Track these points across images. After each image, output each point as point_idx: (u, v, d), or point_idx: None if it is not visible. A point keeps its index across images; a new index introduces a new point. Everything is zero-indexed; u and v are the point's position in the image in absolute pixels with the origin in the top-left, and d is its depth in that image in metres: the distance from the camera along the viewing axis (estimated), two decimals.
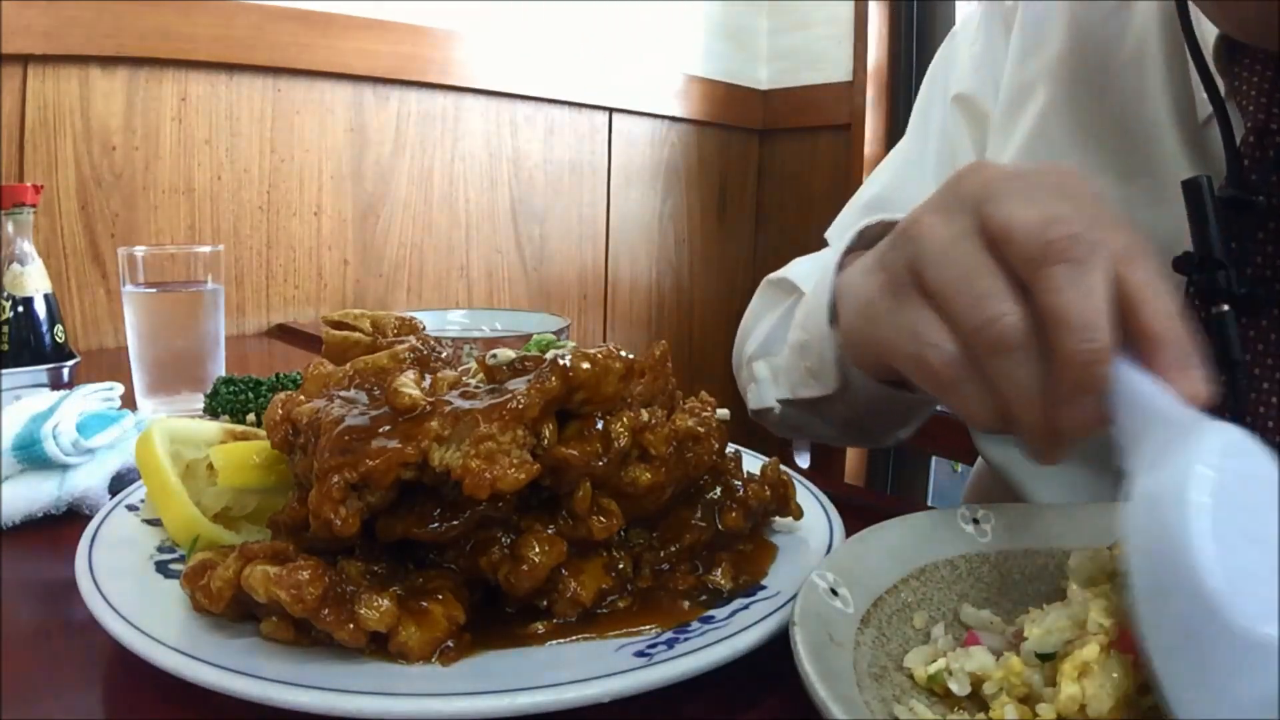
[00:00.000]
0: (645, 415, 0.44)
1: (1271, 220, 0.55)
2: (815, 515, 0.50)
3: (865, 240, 0.59)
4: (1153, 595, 0.30)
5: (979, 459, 0.88)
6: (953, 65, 0.81)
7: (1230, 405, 0.54)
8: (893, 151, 0.87)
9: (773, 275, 0.80)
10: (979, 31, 0.79)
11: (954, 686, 0.35)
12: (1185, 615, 0.29)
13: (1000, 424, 0.39)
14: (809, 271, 0.72)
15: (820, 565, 0.41)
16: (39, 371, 0.95)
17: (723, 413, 0.50)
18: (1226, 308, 0.53)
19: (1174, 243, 0.57)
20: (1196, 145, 0.61)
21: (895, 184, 0.82)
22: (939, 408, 0.66)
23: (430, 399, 0.40)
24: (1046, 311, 0.36)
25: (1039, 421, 0.38)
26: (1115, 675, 0.32)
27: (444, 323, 1.01)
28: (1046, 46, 0.71)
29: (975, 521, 0.47)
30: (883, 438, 0.73)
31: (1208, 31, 0.59)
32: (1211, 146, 0.59)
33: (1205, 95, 0.58)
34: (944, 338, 0.39)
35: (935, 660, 0.37)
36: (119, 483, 0.59)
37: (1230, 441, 0.32)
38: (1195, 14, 0.59)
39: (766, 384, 0.71)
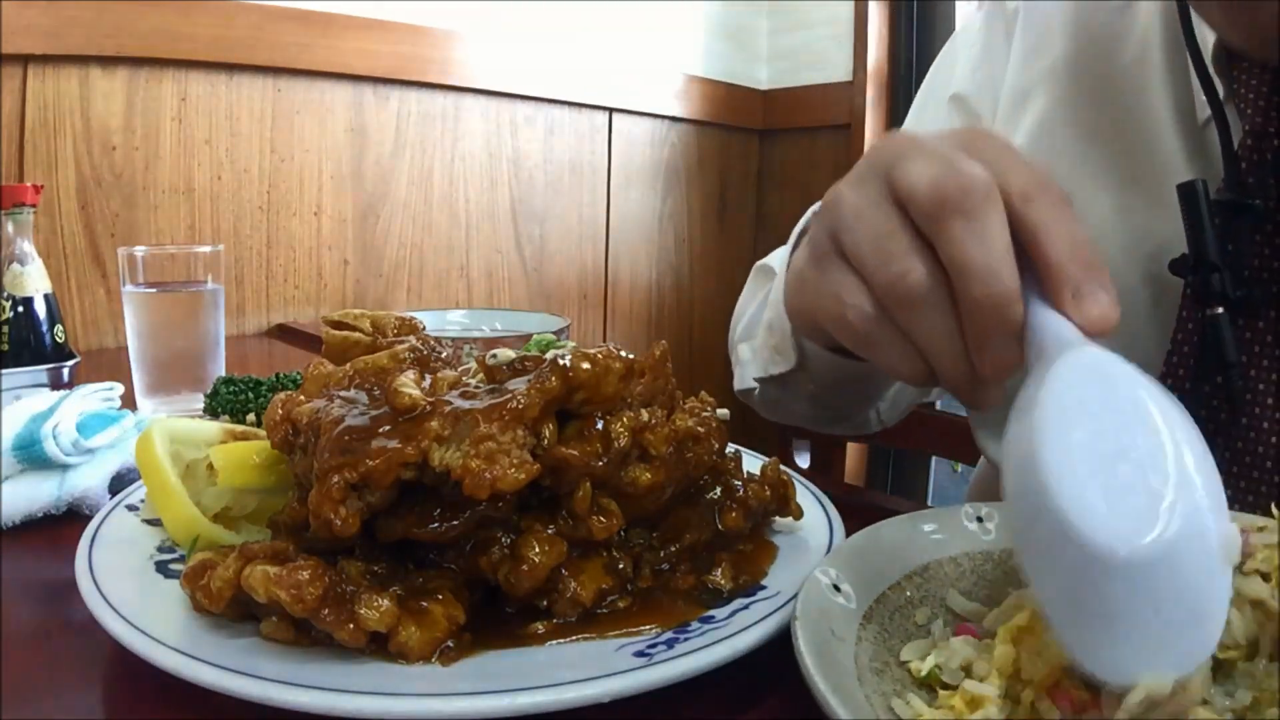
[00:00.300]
0: (645, 415, 0.44)
1: (1268, 223, 0.55)
2: (815, 515, 0.50)
3: None
4: (1023, 528, 0.32)
5: (981, 459, 0.88)
6: (952, 66, 0.81)
7: (1225, 407, 0.54)
8: None
9: (760, 261, 0.83)
10: (979, 33, 0.79)
11: (947, 679, 0.36)
12: (1047, 540, 0.30)
13: (925, 376, 0.41)
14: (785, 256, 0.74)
15: (823, 562, 0.41)
16: (39, 371, 0.95)
17: (723, 413, 0.50)
18: (1221, 310, 0.54)
19: (1171, 243, 0.58)
20: (1197, 148, 0.61)
21: None
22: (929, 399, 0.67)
23: (430, 399, 0.40)
24: (949, 264, 0.37)
25: (960, 369, 0.39)
26: (1051, 644, 0.33)
27: (444, 323, 1.01)
28: (1049, 50, 0.71)
29: (979, 520, 0.47)
30: (855, 416, 0.75)
31: (1208, 35, 0.60)
32: (1211, 149, 0.59)
33: (1205, 98, 0.58)
34: (861, 298, 0.41)
35: (929, 655, 0.37)
36: (119, 483, 0.59)
37: (1087, 363, 0.33)
38: (1196, 17, 0.59)
39: (747, 364, 0.72)
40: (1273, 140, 0.56)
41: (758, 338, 0.69)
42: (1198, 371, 0.56)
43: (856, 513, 0.50)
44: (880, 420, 0.80)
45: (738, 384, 0.75)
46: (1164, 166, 0.62)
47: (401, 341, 0.54)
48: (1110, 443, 0.31)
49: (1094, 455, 0.30)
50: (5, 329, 0.95)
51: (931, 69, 0.86)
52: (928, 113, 0.82)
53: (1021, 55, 0.73)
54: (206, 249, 0.88)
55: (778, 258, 0.78)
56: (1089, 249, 0.37)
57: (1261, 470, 0.54)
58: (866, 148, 2.17)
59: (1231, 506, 0.32)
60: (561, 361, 0.41)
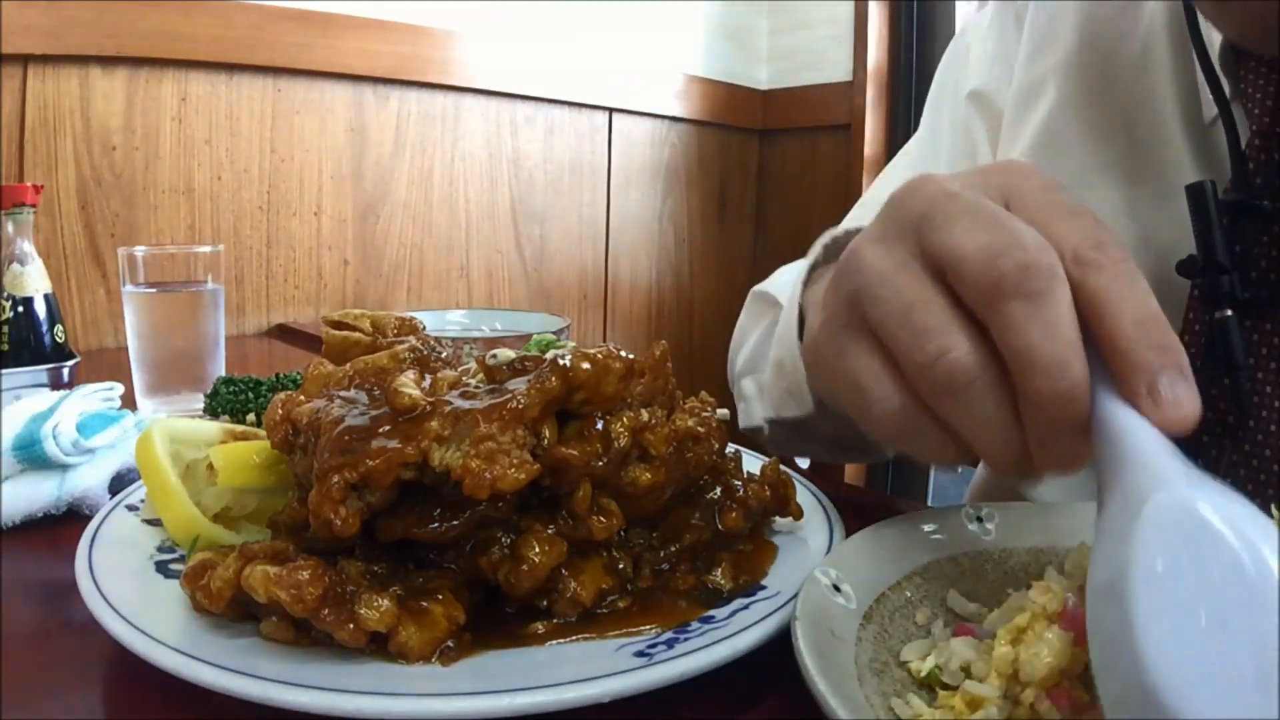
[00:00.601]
0: (645, 415, 0.44)
1: (1276, 224, 0.54)
2: (815, 515, 0.50)
3: (832, 252, 0.59)
4: (1106, 675, 0.28)
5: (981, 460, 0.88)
6: (964, 63, 0.80)
7: (1232, 409, 0.54)
8: (903, 151, 0.86)
9: (757, 287, 0.79)
10: (990, 29, 0.78)
11: (947, 679, 0.36)
12: (1132, 703, 0.26)
13: (967, 460, 0.37)
14: (788, 283, 0.69)
15: (823, 562, 0.41)
16: (39, 371, 0.95)
17: (723, 413, 0.50)
18: (1230, 313, 0.53)
19: (1179, 243, 0.57)
20: (1203, 146, 0.60)
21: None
22: None
23: (430, 399, 0.40)
24: (1009, 352, 0.33)
25: (1015, 461, 0.34)
26: (1051, 645, 0.32)
27: (444, 323, 1.01)
28: (1056, 45, 0.70)
29: (979, 520, 0.47)
30: (878, 454, 0.72)
31: (1214, 33, 0.59)
32: (1218, 148, 0.59)
33: (1211, 97, 0.58)
34: (887, 390, 0.36)
35: (929, 655, 0.37)
36: (119, 483, 0.59)
37: (1183, 513, 0.28)
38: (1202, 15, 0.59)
39: (754, 402, 0.70)
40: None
41: (764, 374, 0.65)
42: (1204, 373, 0.55)
43: (856, 513, 0.50)
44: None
45: (743, 421, 0.71)
46: (1170, 165, 0.61)
47: (401, 341, 0.54)
48: (1216, 621, 0.26)
49: (1197, 640, 0.26)
50: (5, 329, 0.95)
51: (940, 69, 0.85)
52: (945, 113, 0.80)
53: (1029, 50, 0.73)
54: (206, 249, 0.88)
55: (779, 284, 0.74)
56: (1160, 325, 0.33)
57: (1269, 474, 0.54)
58: (867, 148, 2.18)
59: None
60: (561, 361, 0.41)
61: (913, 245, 0.36)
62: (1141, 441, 0.31)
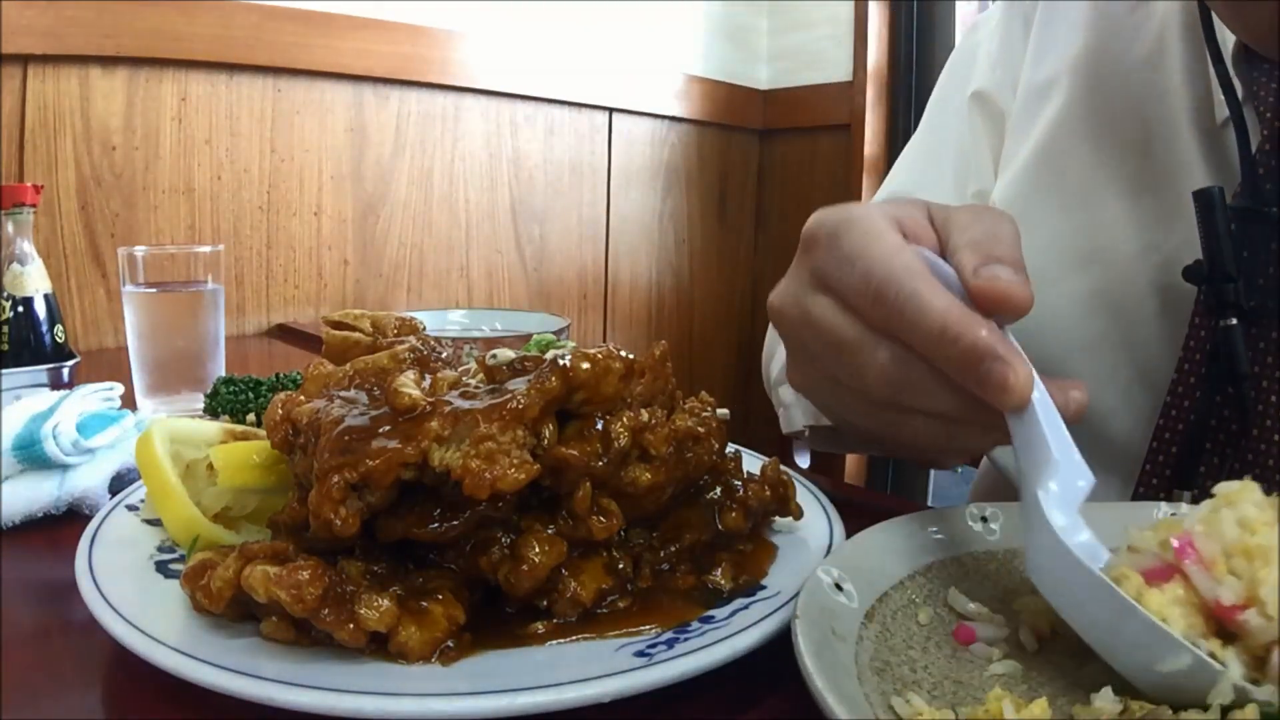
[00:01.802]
0: (645, 415, 0.44)
1: None
2: (815, 515, 0.50)
3: None
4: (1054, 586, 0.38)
5: (984, 460, 0.88)
6: (972, 61, 0.80)
7: (1236, 417, 0.54)
8: (908, 147, 0.86)
9: None
10: (997, 29, 0.78)
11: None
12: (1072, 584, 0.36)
13: (948, 437, 0.42)
14: None
15: (825, 561, 0.41)
16: (39, 371, 0.95)
17: (723, 413, 0.50)
18: (1235, 321, 0.53)
19: (1186, 250, 0.57)
20: (1213, 148, 0.60)
21: (911, 181, 0.81)
22: None
23: (430, 399, 0.40)
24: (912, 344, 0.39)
25: (979, 413, 0.40)
26: None
27: (444, 323, 1.01)
28: (1065, 45, 0.70)
29: (984, 520, 0.47)
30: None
31: (1228, 34, 0.59)
32: (1228, 151, 0.58)
33: (1223, 98, 0.57)
34: (854, 402, 0.44)
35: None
36: (119, 483, 0.59)
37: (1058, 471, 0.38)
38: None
39: (793, 409, 0.71)
40: None
41: None
42: (1209, 381, 0.56)
43: (856, 513, 0.50)
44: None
45: (785, 427, 0.73)
46: (1179, 168, 0.61)
47: (401, 342, 0.54)
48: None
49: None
50: (5, 329, 0.95)
51: (948, 66, 0.84)
52: (949, 113, 0.81)
53: (1037, 51, 0.72)
54: (206, 249, 0.88)
55: None
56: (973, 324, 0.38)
57: (1272, 484, 0.53)
58: (867, 148, 2.18)
59: None
60: (561, 361, 0.41)
61: (813, 284, 0.44)
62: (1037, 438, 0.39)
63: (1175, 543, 0.35)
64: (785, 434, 0.73)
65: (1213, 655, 0.33)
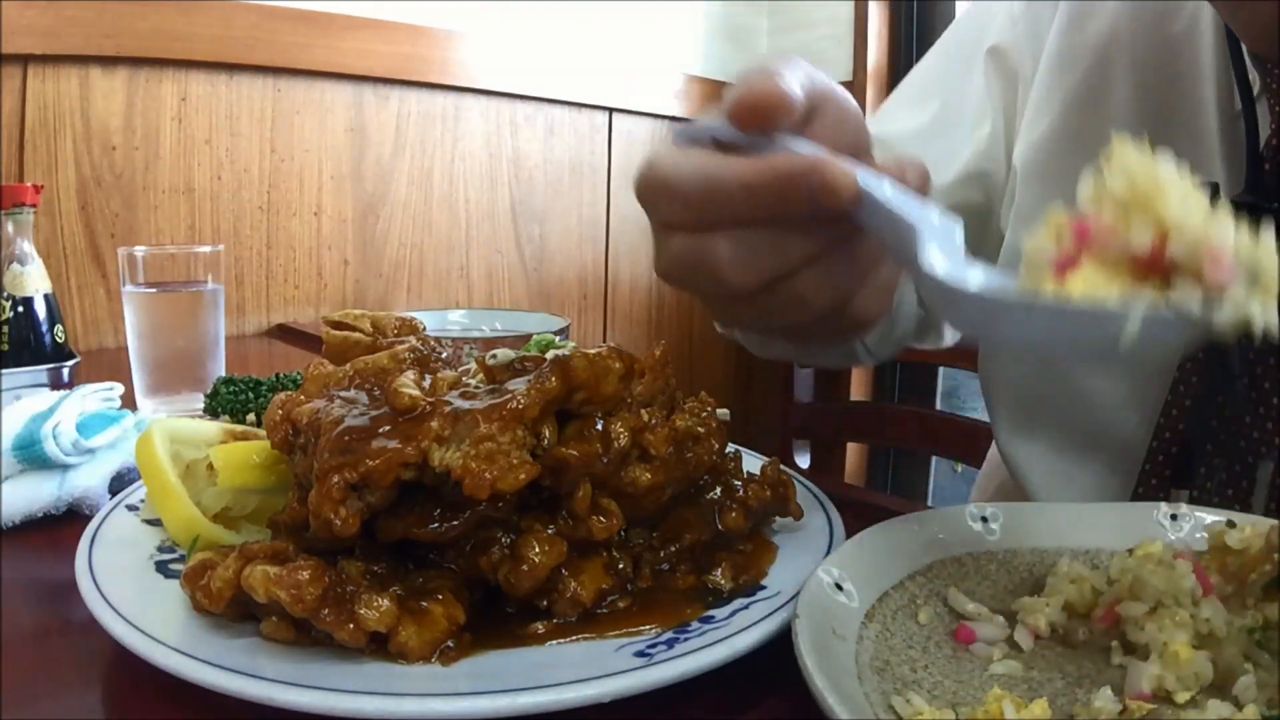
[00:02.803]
0: (645, 415, 0.44)
1: None
2: (815, 515, 0.50)
3: None
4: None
5: (986, 460, 0.88)
6: (988, 15, 0.77)
7: (1234, 419, 0.54)
8: (901, 90, 0.83)
9: None
10: None
11: None
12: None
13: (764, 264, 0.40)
14: None
15: (826, 561, 0.41)
16: (39, 371, 0.95)
17: (723, 413, 0.50)
18: None
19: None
20: (1231, 135, 0.59)
21: (916, 125, 0.78)
22: None
23: (430, 399, 0.40)
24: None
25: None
26: None
27: (444, 323, 1.01)
28: (1098, 15, 0.68)
29: (984, 520, 0.47)
30: (836, 347, 0.73)
31: None
32: (1241, 138, 0.58)
33: (1239, 90, 0.57)
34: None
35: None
36: (119, 483, 0.59)
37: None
38: None
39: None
40: None
41: None
42: (1207, 379, 0.56)
43: (856, 513, 0.50)
44: (870, 354, 0.78)
45: (719, 326, 0.72)
46: (1199, 151, 0.60)
47: (401, 342, 0.54)
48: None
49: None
50: (5, 329, 0.95)
51: (961, 17, 0.81)
52: (957, 62, 0.77)
53: (1069, 18, 0.70)
54: (206, 249, 0.88)
55: None
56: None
57: (1273, 487, 0.54)
58: None
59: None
60: (561, 362, 0.41)
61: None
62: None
63: (1071, 226, 0.34)
64: (720, 331, 0.72)
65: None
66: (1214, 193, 0.53)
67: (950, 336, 0.87)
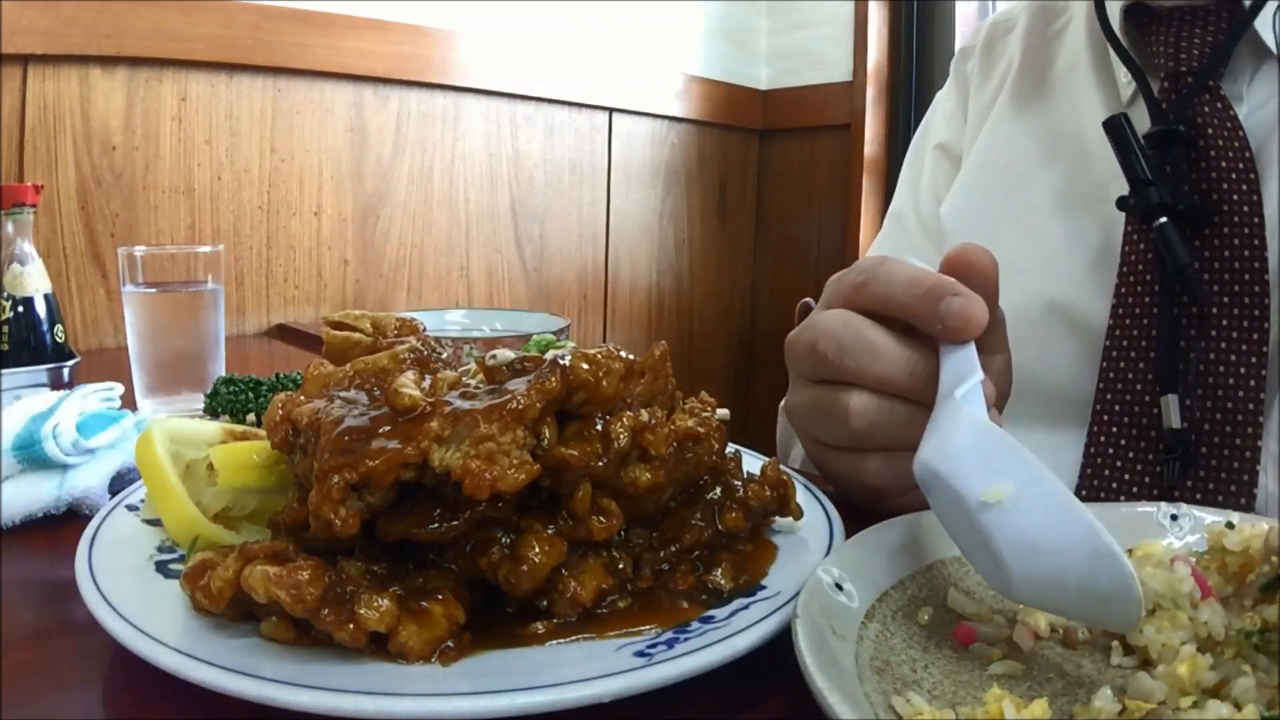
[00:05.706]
0: (645, 415, 0.44)
1: (1195, 146, 0.61)
2: (815, 515, 0.50)
3: None
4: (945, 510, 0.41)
5: None
6: (934, 118, 0.92)
7: (1195, 320, 0.60)
8: (890, 209, 0.96)
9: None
10: (950, 85, 0.90)
11: None
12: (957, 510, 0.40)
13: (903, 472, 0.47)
14: None
15: (826, 561, 0.41)
16: (39, 371, 0.95)
17: (723, 413, 0.50)
18: (1165, 220, 0.60)
19: (1109, 236, 0.66)
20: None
21: (885, 243, 0.91)
22: None
23: (430, 399, 0.40)
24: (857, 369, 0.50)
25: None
26: None
27: (444, 323, 1.01)
28: (1002, 59, 0.82)
29: None
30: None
31: (1115, 4, 0.69)
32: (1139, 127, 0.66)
33: (1124, 73, 0.67)
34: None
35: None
36: (119, 483, 0.59)
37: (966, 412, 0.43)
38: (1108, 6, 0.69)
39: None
40: (1185, 78, 0.63)
41: None
42: (1159, 291, 0.61)
43: (856, 513, 0.50)
44: None
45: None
46: (1098, 165, 0.69)
47: (401, 342, 0.54)
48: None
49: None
50: (5, 329, 0.95)
51: (921, 124, 0.96)
52: (924, 164, 0.91)
53: (981, 74, 0.84)
54: (206, 249, 0.88)
55: None
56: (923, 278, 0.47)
57: (1226, 388, 0.58)
58: (866, 148, 2.18)
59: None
60: (561, 362, 0.41)
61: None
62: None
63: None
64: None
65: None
66: (1124, 120, 0.62)
67: None
